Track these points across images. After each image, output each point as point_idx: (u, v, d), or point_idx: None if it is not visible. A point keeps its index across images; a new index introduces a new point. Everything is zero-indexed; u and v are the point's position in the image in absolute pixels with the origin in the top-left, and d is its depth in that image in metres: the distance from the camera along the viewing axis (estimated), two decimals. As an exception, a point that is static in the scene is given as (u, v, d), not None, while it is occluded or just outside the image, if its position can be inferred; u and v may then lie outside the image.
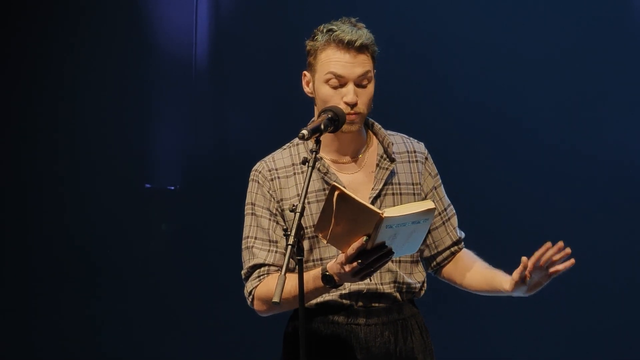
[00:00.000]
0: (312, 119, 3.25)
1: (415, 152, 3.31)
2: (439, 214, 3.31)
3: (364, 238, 2.86)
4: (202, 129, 5.73)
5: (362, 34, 3.16)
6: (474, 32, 5.27)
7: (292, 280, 3.03)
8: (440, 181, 3.34)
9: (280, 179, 3.24)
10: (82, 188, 5.84)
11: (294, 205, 2.91)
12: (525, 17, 5.23)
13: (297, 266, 2.91)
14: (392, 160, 3.25)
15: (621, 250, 5.14)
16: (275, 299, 2.80)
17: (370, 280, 3.18)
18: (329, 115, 3.06)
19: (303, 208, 2.89)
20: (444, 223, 3.31)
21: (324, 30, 3.18)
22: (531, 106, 5.23)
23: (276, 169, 3.25)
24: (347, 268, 2.91)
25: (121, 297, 5.77)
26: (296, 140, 3.29)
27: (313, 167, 2.96)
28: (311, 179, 3.13)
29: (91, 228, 5.82)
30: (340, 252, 2.95)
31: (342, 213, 2.86)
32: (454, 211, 3.35)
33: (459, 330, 5.23)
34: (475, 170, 5.24)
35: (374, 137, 3.30)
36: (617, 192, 5.15)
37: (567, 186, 5.20)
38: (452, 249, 3.33)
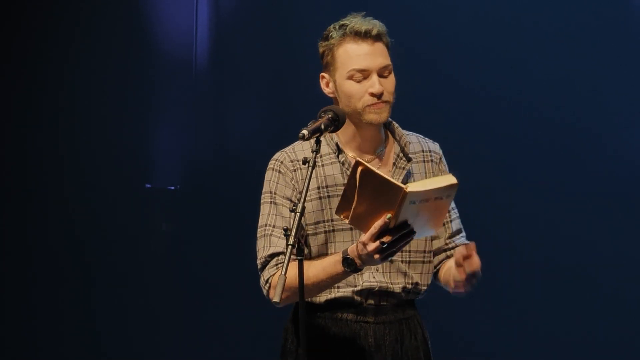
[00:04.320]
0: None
1: (430, 151, 3.32)
2: None
3: (387, 216, 2.85)
4: (202, 129, 5.73)
5: (376, 23, 3.16)
6: (477, 34, 5.27)
7: (313, 267, 3.03)
8: None
9: (302, 170, 3.22)
10: (83, 188, 5.84)
11: (294, 205, 2.91)
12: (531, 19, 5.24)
13: (313, 256, 2.88)
14: (409, 160, 3.25)
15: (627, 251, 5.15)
16: (276, 299, 2.80)
17: (383, 278, 3.19)
18: (330, 116, 3.07)
19: (303, 208, 2.88)
20: (444, 224, 3.30)
21: (337, 27, 3.17)
22: (536, 107, 5.24)
23: (298, 160, 3.23)
24: (369, 247, 2.89)
25: (121, 297, 5.77)
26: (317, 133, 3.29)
27: (313, 167, 2.96)
28: (331, 174, 3.17)
29: (91, 228, 5.82)
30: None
31: (365, 190, 2.85)
32: (457, 217, 3.34)
33: (454, 330, 5.23)
34: (482, 169, 5.25)
35: (391, 135, 3.29)
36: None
37: (572, 187, 5.21)
38: (448, 253, 3.30)
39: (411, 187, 2.83)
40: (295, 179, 3.22)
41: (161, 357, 5.75)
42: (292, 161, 3.24)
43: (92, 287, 5.83)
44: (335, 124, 3.07)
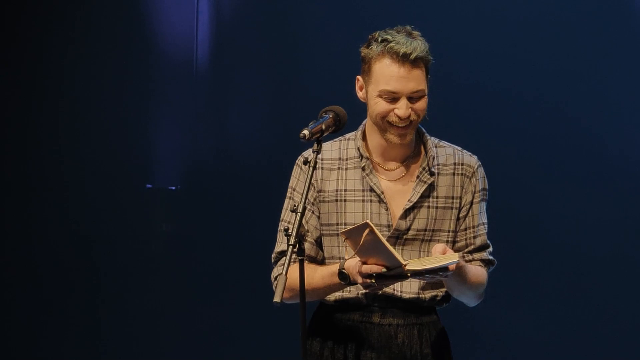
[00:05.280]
0: (364, 121, 3.25)
1: (462, 164, 3.26)
2: (465, 229, 3.25)
3: (383, 269, 2.90)
4: (203, 130, 5.72)
5: (417, 45, 3.13)
6: (479, 32, 5.27)
7: (314, 271, 3.06)
8: (482, 198, 3.28)
9: (324, 170, 3.23)
10: (83, 188, 5.83)
11: (294, 206, 2.91)
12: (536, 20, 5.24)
13: (326, 257, 2.90)
14: (432, 174, 3.22)
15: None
16: (276, 299, 2.81)
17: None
18: (331, 116, 3.06)
19: (304, 208, 2.89)
20: (466, 240, 3.26)
21: (379, 39, 3.14)
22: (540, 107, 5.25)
23: (322, 159, 3.23)
24: (359, 279, 2.94)
25: (122, 297, 5.77)
26: (349, 135, 3.28)
27: (314, 168, 2.96)
28: (352, 179, 3.18)
29: (92, 228, 5.81)
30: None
31: (368, 247, 2.88)
32: (484, 232, 3.27)
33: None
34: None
35: (422, 146, 3.27)
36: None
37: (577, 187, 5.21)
38: None
39: (411, 264, 2.88)
40: (315, 177, 3.22)
41: (161, 357, 5.74)
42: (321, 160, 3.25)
43: (92, 286, 5.82)
44: (337, 124, 3.07)
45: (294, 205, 2.92)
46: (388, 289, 3.16)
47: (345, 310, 3.20)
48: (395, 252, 2.89)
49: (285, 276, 2.82)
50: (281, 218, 3.26)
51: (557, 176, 5.21)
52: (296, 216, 2.87)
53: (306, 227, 3.20)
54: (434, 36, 5.32)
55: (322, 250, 3.23)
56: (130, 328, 5.76)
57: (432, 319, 3.24)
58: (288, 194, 3.26)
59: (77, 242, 5.83)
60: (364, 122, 3.26)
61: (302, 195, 2.91)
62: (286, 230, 2.89)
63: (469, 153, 3.30)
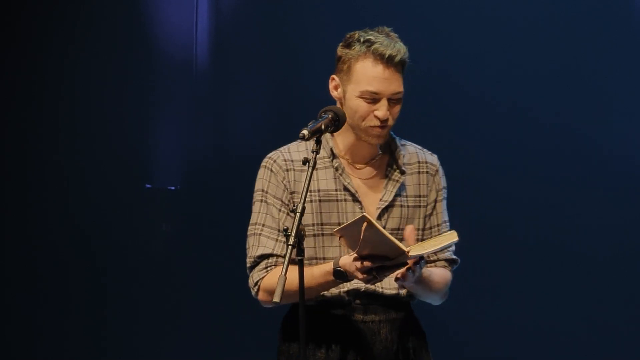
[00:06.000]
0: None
1: (426, 163, 3.30)
2: (430, 228, 3.29)
3: (382, 264, 2.92)
4: (203, 129, 5.73)
5: (401, 48, 3.14)
6: (475, 35, 5.27)
7: (294, 272, 3.02)
8: (444, 195, 3.32)
9: (295, 172, 3.22)
10: (83, 188, 5.84)
11: (294, 206, 2.91)
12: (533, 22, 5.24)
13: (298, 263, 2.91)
14: (402, 173, 3.25)
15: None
16: (276, 299, 2.81)
17: None
18: (330, 116, 3.06)
19: (303, 208, 2.89)
20: (432, 238, 3.25)
21: (361, 40, 3.14)
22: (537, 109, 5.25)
23: (292, 161, 3.23)
24: (359, 275, 2.95)
25: (122, 297, 5.77)
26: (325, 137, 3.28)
27: (314, 168, 2.96)
28: (324, 179, 3.18)
29: (92, 228, 5.81)
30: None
31: (367, 240, 2.88)
32: (447, 230, 3.29)
33: (454, 332, 5.23)
34: (479, 169, 5.25)
35: (388, 145, 3.28)
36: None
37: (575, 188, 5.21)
38: (430, 265, 3.27)
39: (414, 250, 2.89)
40: (287, 179, 3.21)
41: (162, 357, 5.75)
42: (285, 160, 3.23)
43: (92, 286, 5.82)
44: (336, 124, 3.07)
45: (294, 205, 2.92)
46: (369, 287, 3.16)
47: (326, 309, 3.19)
48: (397, 241, 2.89)
49: (285, 276, 2.82)
50: (254, 222, 3.23)
51: (557, 176, 5.22)
52: (295, 216, 2.87)
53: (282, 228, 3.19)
54: (433, 37, 5.34)
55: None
56: (130, 328, 5.76)
57: (409, 314, 3.26)
58: (259, 198, 3.23)
59: (77, 242, 5.83)
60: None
61: (301, 194, 2.91)
62: (285, 230, 2.88)
63: (429, 152, 3.34)
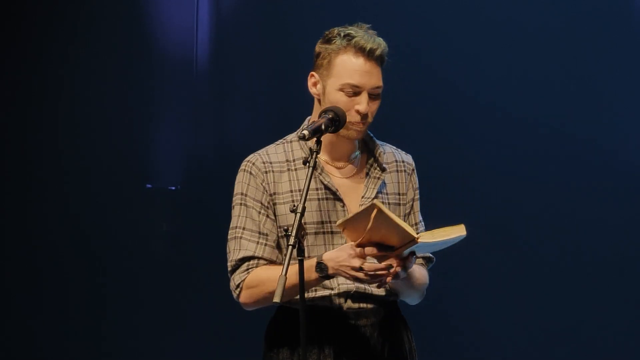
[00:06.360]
0: (308, 118, 3.25)
1: (403, 162, 3.31)
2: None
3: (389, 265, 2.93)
4: (203, 129, 5.73)
5: (381, 42, 3.15)
6: (474, 37, 5.27)
7: (278, 271, 3.01)
8: (418, 195, 3.33)
9: (275, 173, 3.21)
10: (83, 188, 5.84)
11: (294, 206, 2.91)
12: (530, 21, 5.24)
13: (272, 263, 2.89)
14: (383, 170, 3.25)
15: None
16: (276, 299, 2.81)
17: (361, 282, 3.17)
18: (330, 116, 3.06)
19: (304, 208, 2.89)
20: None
21: (342, 35, 3.14)
22: (535, 106, 5.24)
23: (270, 163, 3.23)
24: (362, 275, 2.95)
25: (122, 297, 5.77)
26: (290, 137, 3.29)
27: (314, 168, 2.96)
28: (303, 179, 3.11)
29: (92, 228, 5.82)
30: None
31: (376, 228, 2.87)
32: (423, 229, 3.30)
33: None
34: (478, 170, 5.25)
35: (365, 144, 3.29)
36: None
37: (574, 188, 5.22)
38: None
39: (423, 237, 2.89)
40: (267, 181, 3.21)
41: (162, 357, 5.75)
42: (264, 163, 3.23)
43: (92, 286, 5.82)
44: (336, 124, 3.07)
45: (294, 206, 2.92)
46: (360, 286, 3.15)
47: (317, 314, 3.16)
48: (408, 227, 2.89)
49: (285, 276, 2.81)
50: (234, 225, 3.22)
51: (557, 176, 5.22)
52: (296, 216, 2.87)
53: (264, 231, 3.18)
54: (432, 37, 5.34)
55: (281, 253, 3.21)
56: (130, 328, 5.76)
57: (397, 313, 3.26)
58: (238, 201, 3.22)
59: (77, 242, 5.83)
60: (308, 120, 3.25)
61: (301, 194, 2.91)
62: (286, 230, 2.89)
63: (404, 152, 3.35)
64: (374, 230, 2.88)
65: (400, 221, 2.88)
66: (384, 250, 2.93)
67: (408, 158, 3.34)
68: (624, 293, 5.15)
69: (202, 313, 5.68)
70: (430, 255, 3.31)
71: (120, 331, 5.77)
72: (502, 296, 5.24)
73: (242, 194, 3.23)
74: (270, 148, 3.28)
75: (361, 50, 3.11)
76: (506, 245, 5.23)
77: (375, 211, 2.84)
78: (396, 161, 3.30)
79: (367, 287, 3.16)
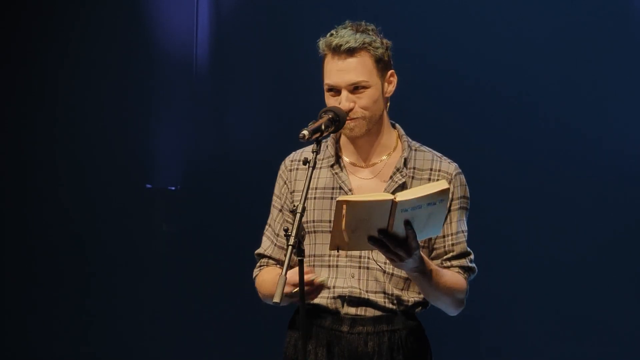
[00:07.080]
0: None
1: (439, 171, 3.22)
2: (444, 236, 3.19)
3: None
4: (203, 130, 5.73)
5: (353, 37, 3.12)
6: (478, 35, 5.27)
7: (274, 273, 3.11)
8: (460, 205, 3.22)
9: (299, 171, 3.25)
10: (83, 188, 5.84)
11: (294, 206, 2.92)
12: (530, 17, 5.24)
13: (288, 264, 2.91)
14: (403, 175, 3.20)
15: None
16: (276, 299, 2.81)
17: (357, 285, 3.15)
18: (330, 116, 3.06)
19: (304, 209, 2.88)
20: (444, 247, 3.21)
21: (325, 37, 3.17)
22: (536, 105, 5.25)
23: (299, 160, 3.26)
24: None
25: (121, 297, 5.77)
26: (331, 136, 3.27)
27: (313, 168, 2.96)
28: (323, 177, 3.20)
29: (92, 228, 5.82)
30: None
31: (356, 219, 2.83)
32: (463, 240, 3.20)
33: (468, 349, 5.23)
34: (479, 170, 5.24)
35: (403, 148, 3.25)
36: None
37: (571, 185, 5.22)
38: None
39: (400, 196, 2.82)
40: (290, 179, 3.25)
41: (161, 357, 5.75)
42: (292, 161, 3.28)
43: (92, 287, 5.82)
44: (336, 124, 3.07)
45: (294, 206, 2.93)
46: (354, 290, 3.14)
47: (315, 317, 3.18)
48: (378, 195, 2.85)
49: (285, 276, 2.81)
50: (267, 221, 3.33)
51: (557, 176, 5.22)
52: (296, 216, 2.86)
53: (277, 231, 3.26)
54: (431, 36, 5.34)
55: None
56: (130, 328, 5.76)
57: (407, 325, 3.18)
58: (272, 199, 3.31)
59: (77, 242, 5.83)
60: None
61: (301, 195, 2.91)
62: (286, 230, 2.88)
63: (449, 160, 3.26)
64: (355, 224, 2.82)
65: (369, 197, 2.82)
66: (384, 236, 2.86)
67: (449, 167, 3.23)
68: (624, 293, 5.15)
69: (202, 313, 5.68)
70: (472, 265, 3.20)
71: (120, 331, 5.77)
72: (502, 296, 5.24)
73: (274, 193, 3.32)
74: (309, 146, 3.24)
75: (333, 50, 3.12)
76: (506, 245, 5.23)
77: (344, 207, 2.80)
78: (431, 169, 3.22)
79: (362, 292, 3.15)
